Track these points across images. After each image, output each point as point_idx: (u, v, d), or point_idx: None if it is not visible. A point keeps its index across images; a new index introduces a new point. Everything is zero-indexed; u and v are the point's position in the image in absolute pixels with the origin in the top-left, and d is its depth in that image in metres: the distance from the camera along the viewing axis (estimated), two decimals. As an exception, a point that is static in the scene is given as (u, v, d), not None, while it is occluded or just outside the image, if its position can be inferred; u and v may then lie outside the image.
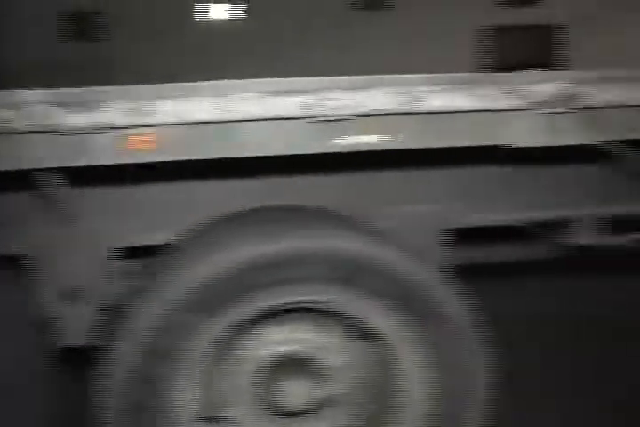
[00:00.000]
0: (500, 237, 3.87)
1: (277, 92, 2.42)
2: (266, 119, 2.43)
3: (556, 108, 2.66)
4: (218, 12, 14.47)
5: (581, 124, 2.74)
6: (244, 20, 13.56)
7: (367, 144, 2.58)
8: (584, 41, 11.30)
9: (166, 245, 2.91)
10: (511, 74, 2.71)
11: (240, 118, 2.40)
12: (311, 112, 2.44)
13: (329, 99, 2.46)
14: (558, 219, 3.57)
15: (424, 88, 2.54)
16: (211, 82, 2.41)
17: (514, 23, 11.51)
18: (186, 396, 2.51)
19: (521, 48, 12.00)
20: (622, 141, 2.81)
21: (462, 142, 2.68)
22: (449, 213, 3.36)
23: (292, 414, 2.70)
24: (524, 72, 2.71)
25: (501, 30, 11.68)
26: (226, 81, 2.44)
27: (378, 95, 2.50)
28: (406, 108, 2.52)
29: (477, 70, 10.15)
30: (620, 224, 3.67)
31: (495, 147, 2.72)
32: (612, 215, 3.59)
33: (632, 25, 11.22)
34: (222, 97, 2.37)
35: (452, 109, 2.58)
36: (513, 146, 2.72)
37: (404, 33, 11.57)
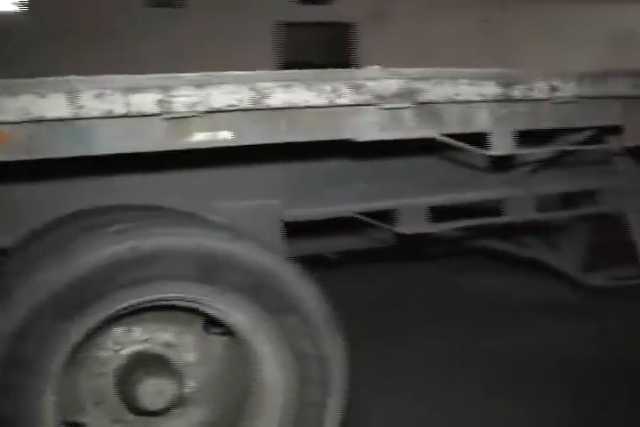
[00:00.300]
0: (334, 228, 3.98)
1: (129, 89, 2.35)
2: (119, 116, 2.35)
3: (396, 103, 2.76)
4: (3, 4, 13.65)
5: (420, 119, 2.87)
6: (25, 13, 12.91)
7: (214, 141, 2.57)
8: (378, 39, 11.76)
9: (11, 248, 2.75)
10: (353, 70, 2.78)
11: (92, 116, 2.30)
12: (164, 109, 2.39)
13: (180, 95, 2.42)
14: (388, 209, 3.71)
15: (269, 84, 2.55)
16: (61, 78, 2.30)
17: (309, 20, 11.78)
18: (45, 402, 2.38)
19: (316, 45, 12.30)
20: (456, 135, 2.97)
21: (306, 138, 2.72)
22: (283, 207, 3.41)
23: (153, 414, 2.64)
24: (366, 68, 2.80)
25: (297, 27, 11.92)
26: (75, 77, 2.34)
27: (224, 92, 2.48)
28: (251, 104, 2.53)
29: (275, 67, 10.26)
30: (446, 213, 3.89)
31: (333, 142, 2.79)
32: (439, 204, 3.79)
33: (426, 23, 11.80)
34: (74, 93, 2.27)
35: (297, 105, 2.61)
36: (356, 140, 2.80)
37: (198, 30, 11.50)
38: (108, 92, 2.32)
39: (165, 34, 11.48)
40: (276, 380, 2.71)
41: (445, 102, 2.87)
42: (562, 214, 4.27)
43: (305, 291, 2.67)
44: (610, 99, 3.22)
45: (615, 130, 3.43)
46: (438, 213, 3.77)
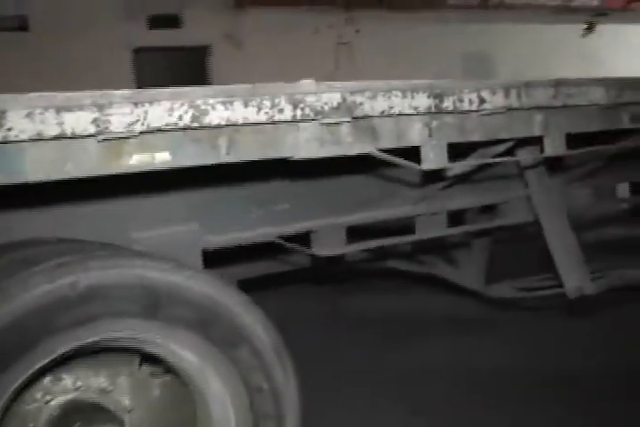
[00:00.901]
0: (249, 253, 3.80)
1: (62, 108, 2.10)
2: (51, 139, 2.10)
3: (335, 117, 2.63)
4: None
5: (356, 134, 2.75)
6: None
7: (152, 163, 2.35)
8: (233, 62, 11.64)
9: None
10: (291, 84, 2.63)
11: (22, 139, 2.04)
12: (100, 129, 2.16)
13: (117, 114, 2.19)
14: (307, 231, 3.58)
15: (210, 100, 2.36)
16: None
17: (162, 45, 11.52)
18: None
19: (170, 70, 12.04)
20: (391, 150, 2.86)
21: (246, 157, 2.54)
22: (202, 234, 3.21)
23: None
24: (303, 82, 2.65)
25: (150, 52, 11.63)
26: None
27: (163, 109, 2.28)
28: (191, 122, 2.33)
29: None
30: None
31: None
32: (356, 224, 3.68)
33: (283, 45, 11.78)
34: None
35: (237, 122, 2.43)
36: (294, 158, 2.64)
37: (44, 57, 10.99)
38: (39, 111, 2.06)
39: (10, 60, 10.90)
40: (228, 418, 2.50)
41: (380, 116, 2.76)
42: (471, 228, 4.25)
43: (255, 321, 2.49)
44: (532, 110, 3.21)
45: (533, 141, 3.44)
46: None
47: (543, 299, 4.54)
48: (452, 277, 4.91)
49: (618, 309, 5.06)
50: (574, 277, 3.84)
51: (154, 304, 2.29)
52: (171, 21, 11.09)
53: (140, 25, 11.03)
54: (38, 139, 2.07)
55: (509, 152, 3.63)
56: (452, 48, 12.44)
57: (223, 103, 2.38)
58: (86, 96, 2.18)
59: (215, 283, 2.44)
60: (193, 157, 2.41)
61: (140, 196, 3.01)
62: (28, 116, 2.04)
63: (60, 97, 2.13)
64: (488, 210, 4.43)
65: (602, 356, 4.76)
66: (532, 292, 4.50)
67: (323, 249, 3.66)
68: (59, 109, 2.09)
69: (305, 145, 2.64)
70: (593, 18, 13.36)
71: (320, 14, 11.97)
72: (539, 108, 3.23)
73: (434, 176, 3.80)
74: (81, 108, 2.13)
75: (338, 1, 11.81)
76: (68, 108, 2.10)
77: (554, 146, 3.31)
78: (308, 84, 2.64)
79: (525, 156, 3.65)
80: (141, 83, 11.05)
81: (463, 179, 3.89)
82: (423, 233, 4.01)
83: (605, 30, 13.48)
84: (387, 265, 4.94)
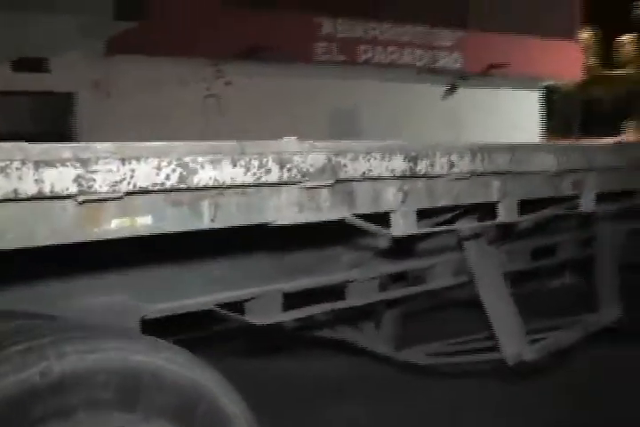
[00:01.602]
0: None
1: (40, 162, 1.77)
2: (26, 199, 1.76)
3: (319, 180, 2.41)
4: None
5: (334, 198, 2.53)
6: None
7: (134, 228, 2.04)
8: (100, 110, 11.17)
9: None
10: (275, 142, 2.38)
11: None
12: (82, 189, 1.84)
13: (101, 171, 1.87)
14: (244, 298, 3.32)
15: (198, 158, 2.08)
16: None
17: (25, 89, 10.89)
18: None
19: (33, 115, 11.43)
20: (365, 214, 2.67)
21: (230, 222, 2.26)
22: (141, 303, 2.88)
23: None
24: (286, 140, 2.41)
25: (12, 96, 10.99)
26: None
27: (150, 167, 1.98)
28: (177, 183, 2.04)
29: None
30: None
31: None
32: (293, 291, 3.46)
33: (153, 96, 11.38)
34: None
35: (223, 184, 2.16)
36: (273, 224, 2.39)
37: None
38: (16, 164, 1.73)
39: None
40: None
41: (360, 180, 2.57)
42: (404, 292, 4.09)
43: (236, 406, 2.19)
44: (491, 175, 3.11)
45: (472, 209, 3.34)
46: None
47: (468, 364, 4.40)
48: (363, 342, 4.72)
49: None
50: (513, 344, 3.73)
51: (133, 392, 1.96)
52: (37, 65, 10.52)
53: (3, 67, 10.38)
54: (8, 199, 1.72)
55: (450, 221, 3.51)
56: (320, 103, 12.48)
57: (212, 162, 2.11)
58: (65, 148, 1.86)
59: (195, 363, 2.14)
60: (175, 222, 2.11)
61: (77, 263, 2.66)
62: (2, 170, 1.70)
63: (36, 149, 1.80)
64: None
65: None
66: (456, 356, 4.35)
67: (258, 317, 3.39)
68: (37, 164, 1.76)
69: (285, 210, 2.39)
70: (454, 80, 13.86)
71: (189, 65, 11.74)
72: (497, 173, 3.13)
73: (371, 241, 3.66)
74: (62, 162, 1.80)
75: (208, 52, 11.62)
76: (49, 163, 1.77)
77: (508, 212, 3.21)
78: (292, 142, 2.40)
79: (468, 224, 3.52)
80: (3, 128, 10.35)
81: (398, 243, 3.74)
82: (355, 299, 3.82)
83: (466, 93, 13.99)
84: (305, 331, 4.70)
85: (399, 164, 2.67)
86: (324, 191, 2.49)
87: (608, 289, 4.63)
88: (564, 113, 23.36)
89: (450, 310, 5.44)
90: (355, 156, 2.51)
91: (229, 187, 2.19)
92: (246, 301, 3.35)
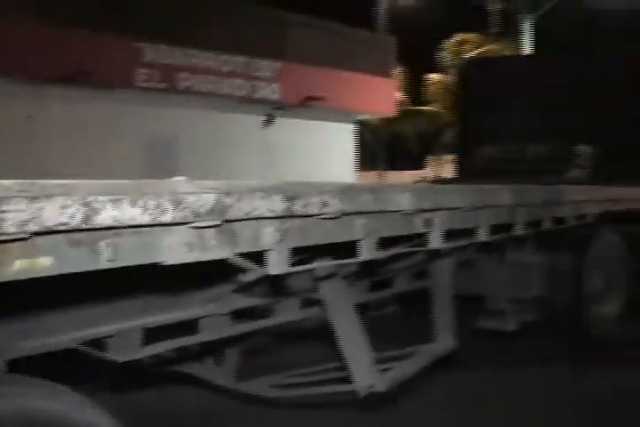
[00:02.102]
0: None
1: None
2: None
3: (208, 220, 2.43)
4: None
5: (220, 238, 2.56)
6: None
7: (34, 270, 1.98)
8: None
9: None
10: (168, 182, 2.39)
11: None
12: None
13: (11, 211, 1.82)
14: (105, 335, 3.26)
15: (101, 198, 2.06)
16: None
17: None
18: None
19: None
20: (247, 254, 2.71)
21: (126, 262, 2.24)
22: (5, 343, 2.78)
23: None
24: (176, 180, 2.42)
25: None
26: None
27: (57, 206, 1.94)
28: (81, 222, 2.02)
29: None
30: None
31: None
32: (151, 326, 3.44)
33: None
34: None
35: (123, 224, 2.15)
36: (166, 263, 2.39)
37: None
38: None
39: None
40: None
41: (243, 219, 2.61)
42: (254, 326, 4.13)
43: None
44: (356, 214, 3.24)
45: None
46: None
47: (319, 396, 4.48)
48: (204, 375, 4.70)
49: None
50: (365, 375, 3.86)
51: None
52: None
53: None
54: None
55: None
56: (138, 131, 12.31)
57: (113, 202, 2.09)
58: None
59: (91, 407, 2.09)
60: (74, 262, 2.06)
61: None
62: None
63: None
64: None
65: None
66: (304, 388, 4.42)
67: (119, 354, 3.34)
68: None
69: (176, 250, 2.40)
70: (273, 111, 14.12)
71: (6, 86, 11.24)
72: (360, 213, 3.26)
73: (226, 277, 3.69)
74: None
75: (27, 73, 11.18)
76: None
77: (369, 249, 3.35)
78: (182, 182, 2.42)
79: (330, 261, 3.63)
80: None
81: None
82: (208, 333, 3.84)
83: (284, 124, 14.28)
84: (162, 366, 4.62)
85: (279, 203, 2.74)
86: (211, 231, 2.51)
87: (443, 320, 4.88)
88: (372, 147, 24.31)
89: (300, 342, 5.54)
90: (240, 196, 2.55)
91: (127, 227, 2.17)
92: (108, 337, 3.29)
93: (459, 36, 26.09)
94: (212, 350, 4.69)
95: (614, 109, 9.13)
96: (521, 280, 6.56)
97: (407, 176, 24.79)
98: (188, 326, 3.86)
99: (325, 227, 3.08)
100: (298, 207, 2.84)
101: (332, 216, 3.05)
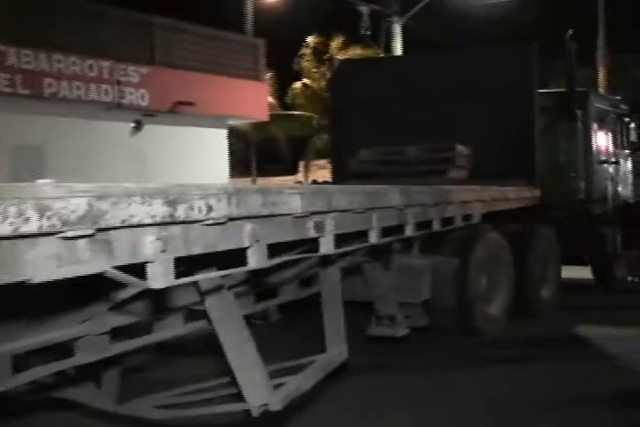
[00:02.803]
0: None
1: None
2: None
3: (79, 229, 2.10)
4: None
5: (94, 249, 2.23)
6: None
7: None
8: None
9: None
10: (30, 186, 2.04)
11: None
12: None
13: None
14: None
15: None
16: None
17: None
18: None
19: None
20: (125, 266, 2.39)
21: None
22: None
23: None
24: (41, 183, 2.08)
25: None
26: None
27: None
28: None
29: None
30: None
31: None
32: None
33: None
34: None
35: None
36: (32, 282, 2.05)
37: None
38: None
39: None
40: None
41: (119, 227, 2.29)
42: (134, 344, 3.79)
43: None
44: (243, 219, 2.96)
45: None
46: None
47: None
48: (82, 399, 4.32)
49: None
50: (258, 394, 3.58)
51: None
52: None
53: None
54: None
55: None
56: (1, 139, 11.57)
57: (-36, 210, 1.74)
58: None
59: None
60: None
61: None
62: None
63: None
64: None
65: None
66: (192, 408, 4.10)
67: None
68: None
69: (44, 265, 2.06)
70: (141, 117, 13.59)
71: None
72: (249, 217, 2.99)
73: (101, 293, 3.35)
74: None
75: None
76: None
77: (258, 257, 3.07)
78: (48, 185, 2.07)
79: (217, 271, 3.33)
80: None
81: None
82: (86, 355, 3.48)
83: (153, 131, 13.76)
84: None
85: (159, 208, 2.44)
86: (83, 242, 2.18)
87: (334, 328, 4.64)
88: (242, 152, 23.99)
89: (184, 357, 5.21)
90: (116, 200, 2.24)
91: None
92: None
93: (316, 39, 25.87)
94: (90, 371, 4.32)
95: (487, 108, 9.17)
96: (410, 284, 6.43)
97: (278, 182, 24.57)
98: (63, 349, 3.50)
99: (211, 234, 2.79)
100: (181, 212, 2.55)
101: (219, 222, 2.77)
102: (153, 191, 2.44)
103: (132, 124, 13.70)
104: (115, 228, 2.26)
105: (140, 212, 2.34)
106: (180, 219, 2.55)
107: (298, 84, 26.95)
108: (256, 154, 24.42)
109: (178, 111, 14.12)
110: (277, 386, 3.78)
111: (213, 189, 2.77)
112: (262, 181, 25.78)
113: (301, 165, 27.75)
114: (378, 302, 6.27)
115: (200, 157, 14.74)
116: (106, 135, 13.17)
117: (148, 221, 2.39)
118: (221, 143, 15.80)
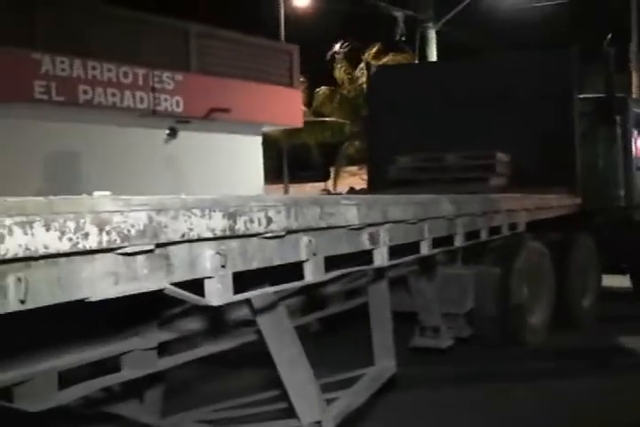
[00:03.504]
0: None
1: None
2: None
3: (140, 244, 1.99)
4: None
5: (152, 265, 2.12)
6: None
7: None
8: None
9: None
10: (86, 198, 1.93)
11: None
12: None
13: None
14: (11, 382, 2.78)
15: (6, 221, 1.61)
16: None
17: None
18: None
19: None
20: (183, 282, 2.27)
21: (41, 302, 1.79)
22: None
23: None
24: (98, 196, 1.97)
25: None
26: None
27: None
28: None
29: None
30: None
31: None
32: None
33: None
34: None
35: (35, 254, 1.70)
36: (91, 299, 1.94)
37: None
38: None
39: None
40: None
41: (178, 242, 2.18)
42: (182, 359, 3.68)
43: None
44: (300, 232, 2.84)
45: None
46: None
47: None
48: (127, 413, 4.23)
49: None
50: (311, 412, 3.44)
51: None
52: None
53: None
54: None
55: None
56: (37, 146, 11.54)
57: (22, 225, 1.63)
58: None
59: None
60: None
61: None
62: None
63: None
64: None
65: None
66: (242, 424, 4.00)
67: (31, 402, 2.86)
68: None
69: (101, 282, 1.95)
70: (176, 124, 13.54)
71: None
72: (306, 230, 2.86)
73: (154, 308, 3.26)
74: None
75: None
76: None
77: (315, 271, 2.95)
78: (106, 198, 1.96)
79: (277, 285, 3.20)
80: None
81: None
82: (133, 370, 3.38)
83: (188, 137, 13.70)
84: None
85: (219, 221, 2.32)
86: (142, 257, 2.07)
87: (382, 341, 4.51)
88: (275, 159, 23.91)
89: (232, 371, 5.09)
90: (175, 214, 2.12)
91: (41, 257, 1.72)
92: (15, 385, 2.79)
93: (344, 47, 25.59)
94: (135, 385, 4.23)
95: (526, 114, 9.01)
96: (453, 295, 6.29)
97: (310, 189, 24.48)
98: (110, 364, 3.41)
99: (269, 247, 2.67)
100: (240, 225, 2.43)
101: (278, 235, 2.65)
102: (212, 203, 2.33)
103: (167, 131, 13.64)
104: (174, 242, 2.15)
105: (199, 225, 2.23)
106: (240, 232, 2.43)
107: (323, 89, 26.64)
108: (288, 160, 24.32)
109: (213, 118, 14.05)
110: (330, 401, 3.66)
111: (271, 201, 2.65)
112: (295, 188, 25.70)
113: (333, 171, 27.60)
114: (421, 313, 6.14)
115: (235, 163, 14.66)
116: (140, 142, 13.13)
117: (208, 234, 2.28)
118: (256, 150, 15.71)
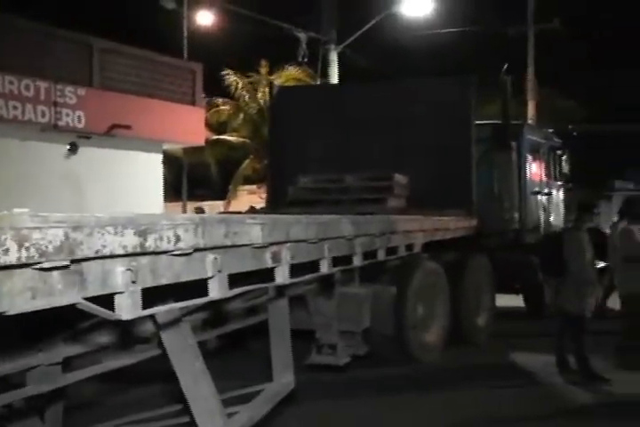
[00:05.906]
0: None
1: None
2: None
3: (56, 260, 2.09)
4: None
5: (66, 280, 2.21)
6: None
7: None
8: None
9: None
10: (6, 215, 2.01)
11: None
12: None
13: None
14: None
15: None
16: None
17: None
18: None
19: None
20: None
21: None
22: None
23: None
24: (17, 213, 2.06)
25: None
26: None
27: None
28: None
29: None
30: None
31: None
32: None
33: None
34: None
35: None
36: (7, 313, 2.02)
37: None
38: None
39: None
40: None
41: (92, 258, 2.28)
42: (86, 373, 3.72)
43: None
44: (207, 250, 2.96)
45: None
46: None
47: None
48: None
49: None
50: (212, 425, 3.54)
51: None
52: None
53: None
54: None
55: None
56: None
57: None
58: None
59: None
60: None
61: None
62: None
63: None
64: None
65: None
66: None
67: None
68: None
69: (19, 296, 2.03)
70: (77, 139, 13.37)
71: None
72: (212, 248, 2.99)
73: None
74: None
75: None
76: None
77: (220, 287, 3.07)
78: (24, 215, 2.05)
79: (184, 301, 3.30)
80: None
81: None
82: (36, 387, 3.42)
83: (89, 153, 13.54)
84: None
85: (131, 238, 2.43)
86: (57, 273, 2.16)
87: (281, 357, 4.64)
88: (175, 176, 23.73)
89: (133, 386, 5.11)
90: (90, 231, 2.22)
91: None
92: None
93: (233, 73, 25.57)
94: (36, 403, 4.23)
95: (424, 138, 9.33)
96: (351, 313, 6.47)
97: (208, 207, 24.31)
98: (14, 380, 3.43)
99: (177, 264, 2.78)
100: (151, 242, 2.54)
101: (185, 252, 2.77)
102: (124, 221, 2.43)
103: (68, 147, 13.45)
104: (88, 258, 2.25)
105: (112, 242, 2.33)
106: (150, 249, 2.54)
107: (219, 102, 26.50)
108: (188, 178, 24.18)
109: (114, 134, 13.93)
110: (231, 415, 3.76)
111: (181, 219, 2.76)
112: (192, 207, 25.50)
113: (231, 190, 27.54)
114: (319, 331, 6.30)
115: (135, 180, 14.55)
116: (41, 156, 12.92)
117: (120, 251, 2.38)
118: (156, 167, 15.62)
